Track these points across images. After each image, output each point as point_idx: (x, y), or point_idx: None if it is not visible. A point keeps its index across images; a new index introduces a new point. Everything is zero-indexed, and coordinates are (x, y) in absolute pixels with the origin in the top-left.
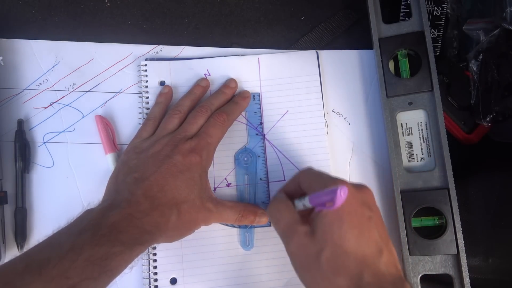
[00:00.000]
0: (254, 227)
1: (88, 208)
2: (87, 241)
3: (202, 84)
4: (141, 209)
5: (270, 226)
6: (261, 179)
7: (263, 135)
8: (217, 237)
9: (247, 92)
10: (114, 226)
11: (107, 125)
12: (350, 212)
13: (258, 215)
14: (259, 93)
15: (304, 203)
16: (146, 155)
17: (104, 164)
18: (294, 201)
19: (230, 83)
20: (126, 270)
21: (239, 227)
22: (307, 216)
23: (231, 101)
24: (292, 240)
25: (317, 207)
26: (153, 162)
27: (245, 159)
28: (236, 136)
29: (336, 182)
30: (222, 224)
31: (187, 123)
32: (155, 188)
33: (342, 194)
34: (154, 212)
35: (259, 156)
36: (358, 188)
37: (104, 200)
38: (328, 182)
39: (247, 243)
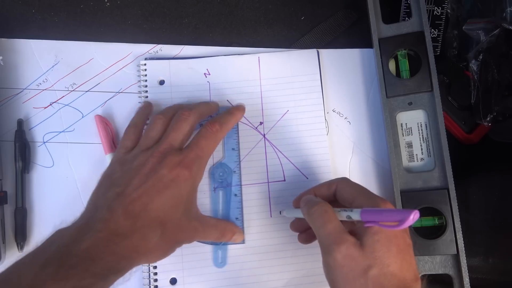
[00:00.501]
0: (228, 244)
1: (61, 226)
2: (51, 275)
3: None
4: (120, 231)
5: (244, 243)
6: (235, 195)
7: (263, 135)
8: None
9: (242, 105)
10: (86, 254)
11: (106, 125)
12: (397, 236)
13: (236, 233)
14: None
15: (350, 214)
16: (130, 167)
17: (104, 164)
18: (335, 209)
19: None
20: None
21: (212, 243)
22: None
23: (225, 111)
24: (340, 248)
25: (368, 223)
26: (138, 176)
27: (220, 174)
28: None
29: (386, 202)
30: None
31: (170, 130)
32: (138, 206)
33: (414, 218)
34: (134, 234)
35: (235, 171)
36: None
37: (80, 217)
38: (377, 200)
39: (219, 260)
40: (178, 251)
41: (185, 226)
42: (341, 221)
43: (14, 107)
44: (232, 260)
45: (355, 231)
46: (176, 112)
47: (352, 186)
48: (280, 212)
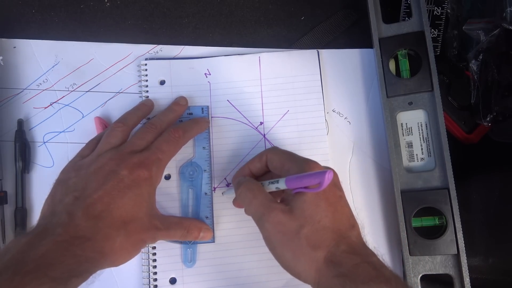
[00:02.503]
0: (198, 243)
1: (18, 235)
2: (5, 283)
3: (147, 103)
4: (81, 234)
5: (214, 242)
6: (206, 193)
7: (263, 135)
8: (217, 237)
9: (206, 118)
10: (44, 259)
11: (106, 126)
12: (325, 192)
13: (203, 230)
14: (207, 106)
15: (277, 186)
16: (87, 171)
17: None
18: (263, 182)
19: (180, 100)
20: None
21: (182, 243)
22: (276, 197)
23: (190, 119)
24: (269, 218)
25: (295, 190)
26: (96, 178)
27: (191, 172)
28: (182, 147)
29: (310, 164)
30: (166, 241)
31: (135, 137)
32: (99, 207)
33: (329, 178)
34: (97, 235)
35: (205, 170)
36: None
37: (37, 226)
38: (302, 164)
39: (189, 260)
40: (178, 250)
41: (147, 225)
42: (273, 192)
43: (14, 107)
44: (232, 260)
45: (285, 198)
46: (136, 119)
47: (279, 154)
48: (222, 193)
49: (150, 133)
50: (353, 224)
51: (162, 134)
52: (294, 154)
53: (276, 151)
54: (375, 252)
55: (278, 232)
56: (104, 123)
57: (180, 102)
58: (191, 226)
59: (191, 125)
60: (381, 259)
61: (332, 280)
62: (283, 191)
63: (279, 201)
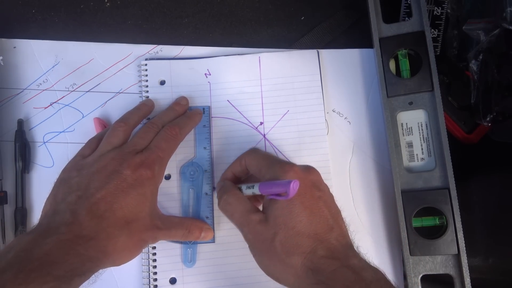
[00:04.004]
0: (198, 243)
1: (21, 233)
2: (9, 281)
3: (147, 103)
4: (85, 233)
5: (214, 242)
6: (206, 193)
7: (263, 135)
8: (217, 237)
9: (199, 109)
10: (48, 257)
11: (105, 127)
12: (300, 194)
13: (204, 230)
14: (209, 106)
15: (253, 191)
16: (89, 171)
17: None
18: (241, 186)
19: (181, 100)
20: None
21: (182, 243)
22: (259, 201)
23: (183, 115)
24: (248, 229)
25: (269, 196)
26: (99, 178)
27: (191, 173)
28: (183, 147)
29: (285, 168)
30: (167, 240)
31: (136, 137)
32: (103, 206)
33: (294, 187)
34: (100, 234)
35: (206, 170)
36: (306, 170)
37: (39, 224)
38: (277, 169)
39: (189, 260)
40: (178, 250)
41: (149, 225)
42: (251, 196)
43: (14, 107)
44: (232, 260)
45: (264, 203)
46: (137, 119)
47: (256, 158)
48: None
49: (152, 132)
50: (331, 226)
51: (159, 132)
52: (272, 158)
53: (254, 155)
54: (358, 252)
55: (257, 241)
56: (103, 123)
57: (181, 102)
58: (192, 226)
59: (186, 120)
60: (364, 259)
61: (311, 287)
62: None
63: (260, 206)
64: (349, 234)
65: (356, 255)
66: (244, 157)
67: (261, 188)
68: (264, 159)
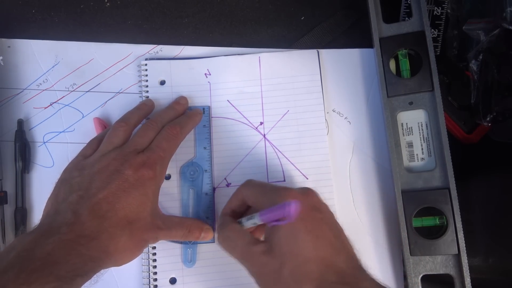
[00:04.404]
0: (198, 243)
1: (21, 234)
2: (11, 281)
3: (147, 103)
4: (87, 233)
5: (214, 242)
6: (206, 193)
7: (263, 135)
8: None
9: (199, 109)
10: (50, 257)
11: (105, 127)
12: (302, 219)
13: (204, 231)
14: (209, 106)
15: (254, 221)
16: (91, 171)
17: None
18: (241, 219)
19: (180, 99)
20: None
21: (182, 243)
22: (261, 231)
23: (184, 114)
24: (251, 262)
25: (271, 223)
26: (101, 178)
27: (191, 173)
28: (183, 147)
29: (281, 194)
30: (167, 240)
31: (137, 136)
32: (105, 206)
33: (294, 209)
34: (102, 235)
35: (206, 170)
36: (304, 193)
37: (40, 224)
38: (273, 196)
39: (189, 259)
40: (178, 250)
41: (150, 225)
42: (252, 227)
43: (14, 107)
44: (232, 260)
45: (267, 233)
46: (137, 118)
47: (251, 188)
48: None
49: (152, 130)
50: (338, 249)
51: (160, 132)
52: (268, 185)
53: (249, 186)
54: (368, 273)
55: (263, 274)
56: (104, 123)
57: (180, 101)
58: (193, 226)
59: (186, 120)
60: (375, 280)
61: None
62: (264, 224)
63: (262, 237)
64: (357, 254)
65: (366, 277)
66: (240, 190)
67: (261, 216)
68: (260, 187)
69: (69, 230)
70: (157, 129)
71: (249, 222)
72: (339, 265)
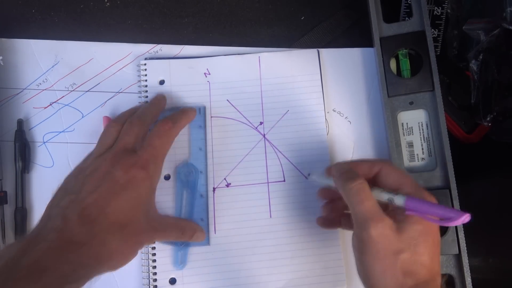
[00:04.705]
0: (190, 245)
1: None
2: None
3: (142, 106)
4: (76, 239)
5: (209, 244)
6: (201, 195)
7: (263, 135)
8: (216, 237)
9: (193, 107)
10: (37, 264)
11: None
12: (433, 232)
13: (197, 232)
14: (204, 106)
15: (393, 198)
16: (83, 174)
17: None
18: (374, 188)
19: (158, 95)
20: None
21: (174, 244)
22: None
23: (178, 110)
24: (376, 225)
25: (409, 211)
26: (92, 181)
27: (186, 173)
28: (177, 147)
29: (425, 192)
30: (160, 242)
31: (122, 134)
32: (95, 210)
33: (464, 220)
34: (93, 240)
35: (201, 172)
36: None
37: (32, 230)
38: (424, 193)
39: (179, 262)
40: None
41: (145, 227)
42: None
43: (14, 107)
44: (231, 260)
45: (394, 214)
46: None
47: (398, 173)
48: (308, 174)
49: (136, 125)
50: (440, 272)
51: (152, 129)
52: (413, 179)
53: (394, 168)
54: None
55: (378, 243)
56: None
57: (158, 97)
58: (186, 227)
59: (179, 115)
60: None
61: None
62: (385, 206)
63: None
64: None
65: None
66: (380, 165)
67: (409, 201)
68: (406, 176)
69: (57, 237)
70: (141, 125)
71: (385, 196)
72: (437, 282)
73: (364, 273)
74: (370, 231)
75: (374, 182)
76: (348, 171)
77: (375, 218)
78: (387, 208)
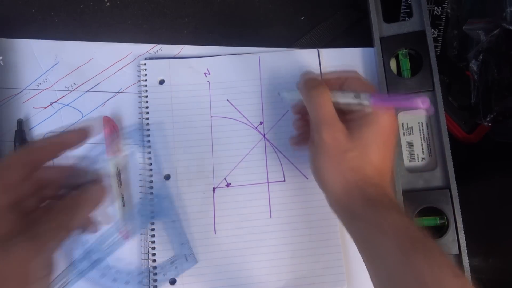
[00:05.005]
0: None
1: None
2: None
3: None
4: None
5: (197, 263)
6: (173, 221)
7: (263, 135)
8: (217, 237)
9: (102, 184)
10: None
11: (113, 127)
12: (385, 133)
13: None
14: (139, 129)
15: (358, 98)
16: None
17: (103, 164)
18: (337, 91)
19: (75, 129)
20: None
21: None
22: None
23: (78, 191)
24: (329, 131)
25: (375, 104)
26: None
27: (150, 206)
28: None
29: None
30: None
31: None
32: None
33: (427, 105)
34: None
35: (165, 197)
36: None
37: None
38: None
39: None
40: (178, 251)
41: None
42: (336, 103)
43: (14, 107)
44: (232, 260)
45: (347, 120)
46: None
47: (362, 82)
48: (278, 93)
49: (14, 170)
50: (391, 169)
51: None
52: (373, 85)
53: (360, 81)
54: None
55: (328, 144)
56: (112, 123)
57: (66, 134)
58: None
59: (73, 205)
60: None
61: (356, 202)
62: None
63: None
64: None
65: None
66: (346, 77)
67: (375, 97)
68: (372, 87)
69: None
70: (21, 169)
71: (348, 97)
72: (385, 177)
73: (317, 171)
74: (322, 134)
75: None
76: (311, 79)
77: (328, 122)
78: (346, 114)
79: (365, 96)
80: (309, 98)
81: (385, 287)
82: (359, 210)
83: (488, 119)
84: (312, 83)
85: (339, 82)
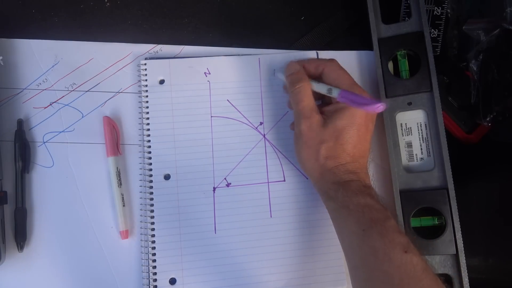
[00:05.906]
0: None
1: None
2: None
3: None
4: None
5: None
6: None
7: (263, 135)
8: (217, 237)
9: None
10: None
11: (113, 127)
12: (359, 123)
13: None
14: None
15: (332, 89)
16: None
17: (104, 164)
18: (315, 82)
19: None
20: None
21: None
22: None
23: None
24: (306, 122)
25: (341, 99)
26: None
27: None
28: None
29: (359, 88)
30: None
31: None
32: None
33: (381, 109)
34: None
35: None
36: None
37: None
38: (357, 88)
39: None
40: (178, 251)
41: None
42: (316, 92)
43: (14, 107)
44: (232, 260)
45: (325, 112)
46: None
47: (338, 73)
48: (274, 71)
49: None
50: (365, 155)
51: None
52: (351, 78)
53: (335, 68)
54: (370, 178)
55: (307, 135)
56: (112, 123)
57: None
58: None
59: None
60: (372, 183)
61: (330, 185)
62: (326, 104)
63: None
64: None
65: (368, 178)
66: (324, 65)
67: (344, 93)
68: (345, 75)
69: None
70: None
71: (325, 88)
72: (359, 161)
73: (300, 160)
74: (301, 126)
75: (320, 79)
76: (295, 73)
77: (306, 115)
78: (327, 106)
79: (336, 91)
80: (293, 92)
81: (347, 256)
82: (331, 192)
83: (488, 119)
84: (294, 78)
85: (319, 71)
